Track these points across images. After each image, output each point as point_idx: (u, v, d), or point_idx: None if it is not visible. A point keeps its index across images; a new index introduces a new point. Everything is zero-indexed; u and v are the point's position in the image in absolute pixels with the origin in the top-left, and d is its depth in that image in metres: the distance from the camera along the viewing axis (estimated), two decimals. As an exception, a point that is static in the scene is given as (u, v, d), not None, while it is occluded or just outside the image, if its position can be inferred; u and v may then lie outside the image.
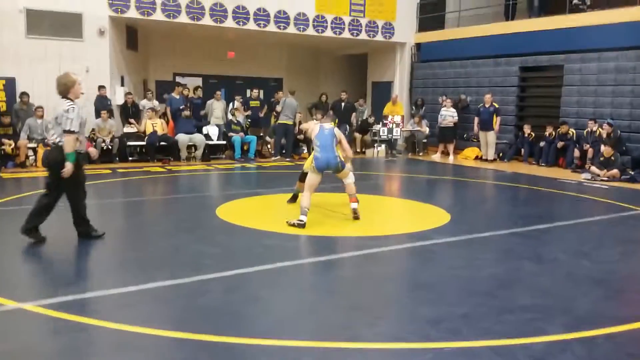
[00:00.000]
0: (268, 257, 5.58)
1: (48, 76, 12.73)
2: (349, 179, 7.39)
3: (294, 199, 8.25)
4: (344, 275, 5.26)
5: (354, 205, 7.28)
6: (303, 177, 7.97)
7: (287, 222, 6.86)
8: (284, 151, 14.49)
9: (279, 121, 14.32)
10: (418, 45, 17.63)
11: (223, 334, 3.72)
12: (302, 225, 6.71)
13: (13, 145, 11.58)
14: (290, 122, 14.33)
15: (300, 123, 14.28)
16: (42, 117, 12.14)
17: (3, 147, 11.53)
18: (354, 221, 7.19)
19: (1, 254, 5.65)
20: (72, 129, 5.68)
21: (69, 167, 5.72)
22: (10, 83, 12.71)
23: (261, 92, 16.03)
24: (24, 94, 12.45)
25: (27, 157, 11.80)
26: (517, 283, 5.01)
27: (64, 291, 4.48)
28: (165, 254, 5.79)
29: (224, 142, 14.18)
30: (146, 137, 13.02)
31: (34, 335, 3.80)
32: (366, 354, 3.52)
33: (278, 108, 14.33)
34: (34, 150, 11.88)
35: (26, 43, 12.90)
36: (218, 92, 14.68)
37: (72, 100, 5.83)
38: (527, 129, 14.34)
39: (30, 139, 11.95)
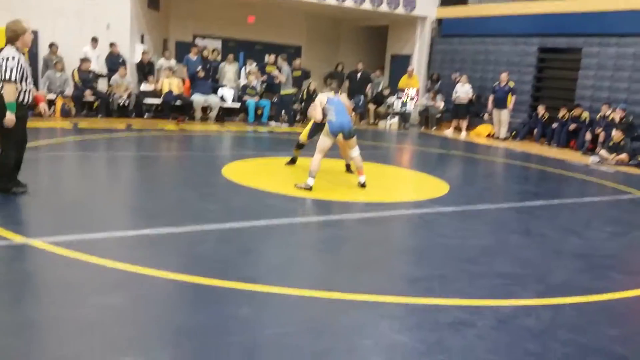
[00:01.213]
0: (265, 214, 5.84)
1: (69, 31, 13.06)
2: (355, 151, 7.47)
3: (292, 161, 8.59)
4: (335, 234, 5.50)
5: (362, 178, 7.40)
6: (299, 145, 8.29)
7: (295, 185, 7.09)
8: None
9: (284, 92, 14.35)
10: (439, 21, 17.54)
11: (212, 277, 4.00)
12: (309, 188, 6.93)
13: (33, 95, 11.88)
14: (293, 90, 14.45)
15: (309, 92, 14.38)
16: (61, 70, 12.45)
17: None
18: (354, 187, 7.41)
19: (13, 196, 5.97)
20: (10, 78, 5.49)
21: (9, 117, 5.55)
22: (34, 36, 12.98)
23: (279, 58, 16.11)
24: (52, 44, 12.74)
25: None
26: (500, 253, 5.22)
27: (69, 231, 4.79)
28: (169, 205, 6.09)
29: (239, 106, 14.38)
30: (162, 96, 13.28)
31: (38, 267, 4.11)
32: (340, 304, 3.77)
33: (282, 78, 14.32)
34: (53, 102, 12.22)
35: (50, -3, 13.15)
36: (230, 55, 14.79)
37: (17, 48, 5.64)
38: (541, 110, 14.34)
39: (49, 90, 12.27)
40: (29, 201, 5.83)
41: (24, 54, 5.78)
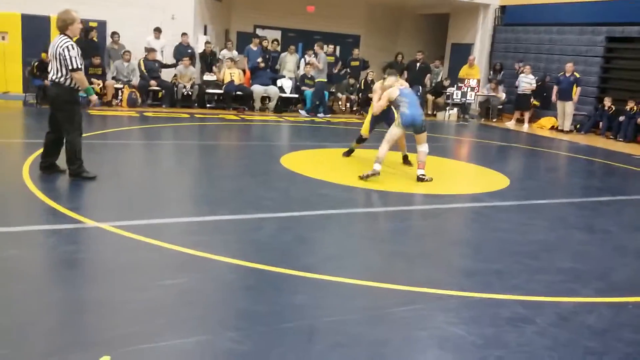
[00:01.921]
0: (322, 204, 5.93)
1: (135, 21, 13.48)
2: (424, 147, 7.41)
3: (348, 152, 8.61)
4: (392, 226, 5.53)
5: (421, 171, 7.33)
6: (359, 139, 8.29)
7: (360, 176, 7.08)
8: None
9: (319, 79, 14.20)
10: (502, 8, 17.10)
11: (270, 264, 4.12)
12: (376, 174, 6.98)
13: (101, 84, 12.39)
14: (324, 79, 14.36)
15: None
16: (129, 60, 12.89)
17: (92, 85, 12.32)
18: (412, 180, 7.39)
19: (84, 182, 6.27)
20: (77, 67, 5.81)
21: (94, 99, 6.15)
22: (101, 25, 13.52)
23: (337, 48, 16.15)
24: (114, 33, 13.23)
25: (113, 97, 12.61)
26: (560, 249, 5.12)
27: (135, 216, 5.03)
28: (230, 193, 6.26)
29: (297, 96, 14.50)
30: (224, 86, 13.56)
31: (108, 249, 4.34)
32: (396, 294, 3.81)
33: (320, 65, 14.19)
34: (120, 90, 12.69)
35: (118, -12, 13.62)
36: (292, 46, 14.90)
37: (69, 37, 5.91)
38: (607, 102, 13.81)
39: (116, 79, 12.75)
40: (98, 187, 6.12)
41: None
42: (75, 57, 5.85)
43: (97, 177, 6.19)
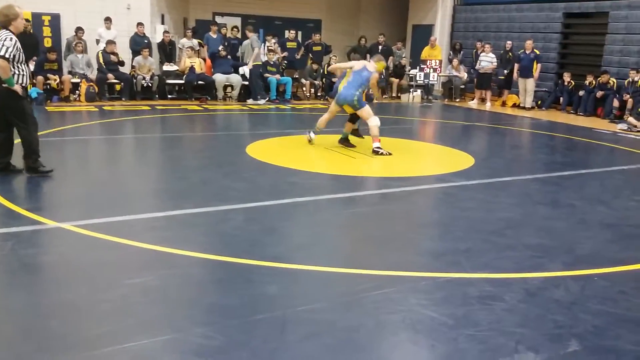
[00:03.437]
0: (290, 192, 5.88)
1: (90, 13, 13.11)
2: (371, 121, 7.76)
3: (344, 141, 8.46)
4: (358, 211, 5.51)
5: (375, 144, 7.73)
6: (352, 118, 8.22)
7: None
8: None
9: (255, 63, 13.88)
10: (461, -12, 17.23)
11: (239, 256, 4.06)
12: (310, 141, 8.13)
13: (58, 80, 12.04)
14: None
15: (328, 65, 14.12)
16: (82, 52, 12.51)
17: (49, 81, 12.00)
18: (378, 162, 7.40)
19: (43, 181, 6.09)
20: (5, 55, 5.65)
21: (16, 88, 5.78)
22: (55, 19, 13.11)
23: (299, 33, 16.03)
24: (79, 28, 12.64)
25: (70, 91, 12.27)
26: (526, 225, 5.18)
27: (98, 214, 4.89)
28: (194, 185, 6.16)
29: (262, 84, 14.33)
30: (184, 76, 13.32)
31: (71, 250, 4.22)
32: (367, 279, 3.80)
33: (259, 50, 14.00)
34: (77, 85, 12.34)
35: (70, -21, 13.22)
36: (248, 32, 14.55)
37: (11, 32, 5.80)
38: (567, 77, 14.05)
39: (72, 74, 12.38)
40: (58, 185, 5.95)
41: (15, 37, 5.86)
42: (6, 47, 5.66)
43: (53, 171, 6.05)
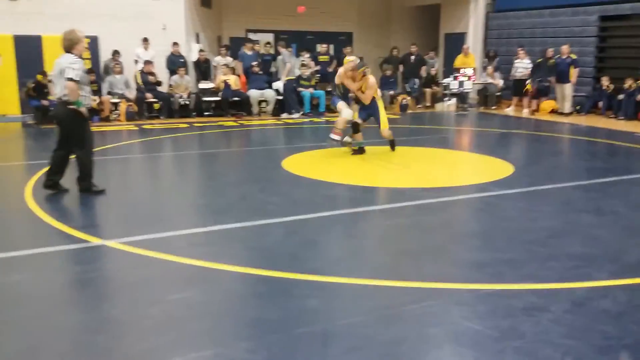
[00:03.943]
0: (327, 205, 5.90)
1: (127, 34, 13.45)
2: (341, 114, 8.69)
3: (359, 151, 8.55)
4: (397, 223, 5.48)
5: (332, 135, 8.62)
6: (355, 127, 8.30)
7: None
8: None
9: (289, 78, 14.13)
10: (493, -5, 17.08)
11: (279, 270, 4.09)
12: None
13: (98, 100, 12.38)
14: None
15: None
16: (120, 73, 12.85)
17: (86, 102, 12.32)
18: (415, 173, 7.36)
19: (87, 199, 6.25)
20: (74, 78, 5.91)
21: (84, 111, 6.08)
22: (93, 41, 13.49)
23: (331, 46, 16.13)
24: (116, 52, 13.08)
25: (110, 111, 12.60)
26: (569, 234, 5.07)
27: (141, 231, 5.00)
28: (233, 201, 6.23)
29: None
30: (220, 93, 13.53)
31: (116, 267, 4.32)
32: (408, 292, 3.78)
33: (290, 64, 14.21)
34: (116, 105, 12.67)
35: (106, 3, 13.61)
36: (288, 49, 14.84)
37: (76, 55, 6.04)
38: (605, 81, 13.74)
39: (111, 94, 12.72)
40: (102, 203, 6.11)
41: (82, 60, 6.19)
42: (74, 70, 5.93)
43: (105, 191, 6.27)
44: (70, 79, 5.91)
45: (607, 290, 3.82)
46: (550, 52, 14.06)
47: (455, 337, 3.18)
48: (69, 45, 6.05)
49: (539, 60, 14.19)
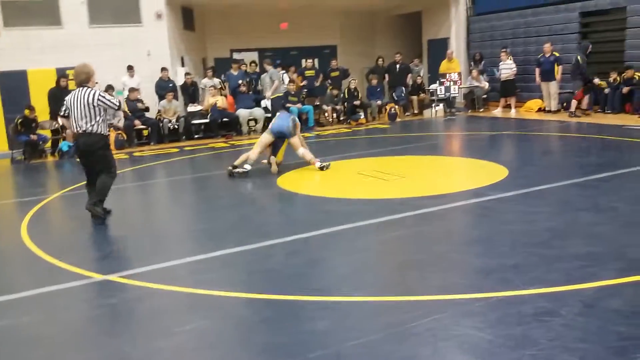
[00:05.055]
0: (326, 221, 5.86)
1: (113, 63, 13.43)
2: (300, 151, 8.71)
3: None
4: (398, 234, 5.46)
5: (317, 164, 8.49)
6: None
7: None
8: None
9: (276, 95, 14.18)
10: (472, -2, 17.24)
11: (286, 293, 4.05)
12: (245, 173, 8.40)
13: (87, 131, 12.30)
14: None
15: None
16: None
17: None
18: (410, 183, 7.36)
19: (82, 233, 6.19)
20: (119, 105, 6.54)
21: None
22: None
23: (316, 61, 16.19)
24: (109, 86, 12.78)
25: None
26: (571, 234, 5.07)
27: (143, 263, 4.95)
28: (231, 224, 6.19)
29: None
30: (209, 115, 13.52)
31: (121, 301, 4.26)
32: (417, 305, 3.75)
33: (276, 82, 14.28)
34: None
35: (90, 33, 13.61)
36: (267, 65, 14.81)
37: (90, 88, 6.32)
38: (596, 81, 13.81)
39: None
40: (98, 236, 6.05)
41: None
42: (113, 99, 6.56)
43: (106, 219, 6.45)
44: (119, 107, 6.55)
45: (616, 289, 3.81)
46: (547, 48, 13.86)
47: (471, 349, 3.15)
48: (86, 79, 6.31)
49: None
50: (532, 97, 15.16)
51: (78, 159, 6.83)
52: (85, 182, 6.65)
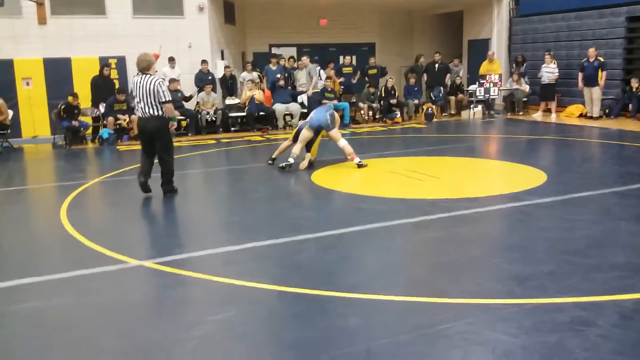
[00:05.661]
0: (360, 219, 5.86)
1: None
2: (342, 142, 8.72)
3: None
4: (432, 236, 5.42)
5: (356, 159, 8.47)
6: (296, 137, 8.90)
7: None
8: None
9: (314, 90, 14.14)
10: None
11: (316, 287, 4.06)
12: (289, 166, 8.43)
13: (127, 119, 12.55)
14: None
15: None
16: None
17: (119, 122, 12.55)
18: (445, 184, 7.28)
19: (121, 219, 6.32)
20: (169, 99, 6.81)
21: (175, 125, 7.27)
22: (121, 61, 13.72)
23: (353, 58, 16.15)
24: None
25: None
26: (610, 243, 4.95)
27: (177, 250, 5.03)
28: (265, 217, 6.23)
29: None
30: (246, 108, 13.62)
31: (154, 288, 4.34)
32: (448, 308, 3.72)
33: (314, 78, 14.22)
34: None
35: (133, 23, 13.84)
36: (302, 60, 14.83)
37: (151, 75, 6.81)
38: (634, 83, 13.46)
39: (141, 113, 12.89)
40: (136, 223, 6.16)
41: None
42: (166, 91, 6.79)
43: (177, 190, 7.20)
44: (168, 102, 6.76)
45: (656, 302, 3.71)
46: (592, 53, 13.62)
47: (504, 355, 3.10)
48: (147, 67, 6.84)
49: None
50: (573, 102, 14.84)
51: (139, 140, 7.47)
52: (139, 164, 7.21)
